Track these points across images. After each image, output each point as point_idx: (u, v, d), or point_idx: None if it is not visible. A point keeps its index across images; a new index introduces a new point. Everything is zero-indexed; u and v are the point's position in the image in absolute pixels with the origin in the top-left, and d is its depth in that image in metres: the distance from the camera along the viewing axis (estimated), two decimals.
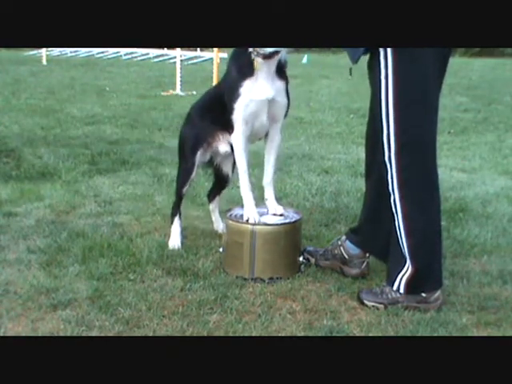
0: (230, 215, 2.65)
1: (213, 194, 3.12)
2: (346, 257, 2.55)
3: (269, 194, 2.74)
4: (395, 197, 2.19)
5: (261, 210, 2.67)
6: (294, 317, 2.22)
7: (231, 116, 2.56)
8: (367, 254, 2.55)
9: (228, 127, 2.64)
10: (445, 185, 4.01)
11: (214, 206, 3.12)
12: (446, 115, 6.81)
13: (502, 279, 2.58)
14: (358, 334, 2.11)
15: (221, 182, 3.05)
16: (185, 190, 2.85)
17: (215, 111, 2.69)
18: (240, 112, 2.55)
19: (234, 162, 2.77)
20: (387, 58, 2.10)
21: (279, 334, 2.10)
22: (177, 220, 2.88)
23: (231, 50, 2.68)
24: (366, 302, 2.28)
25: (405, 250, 2.23)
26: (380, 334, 2.12)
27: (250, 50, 2.45)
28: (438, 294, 2.25)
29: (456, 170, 4.56)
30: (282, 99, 2.61)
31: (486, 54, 17.93)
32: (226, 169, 2.96)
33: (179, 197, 2.87)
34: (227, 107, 2.58)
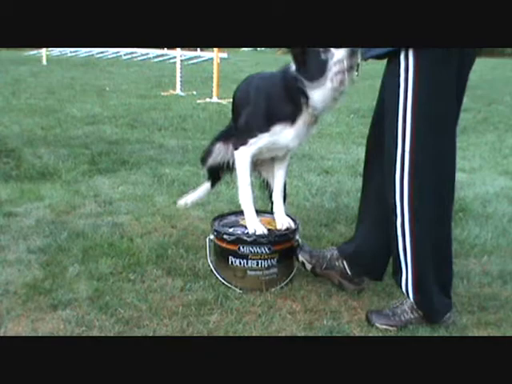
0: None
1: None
2: (349, 273, 2.43)
3: (278, 207, 2.65)
4: (404, 219, 2.05)
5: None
6: (293, 317, 2.22)
7: (248, 137, 2.44)
8: None
9: (234, 136, 2.56)
10: None
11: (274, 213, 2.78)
12: None
13: (502, 279, 2.58)
14: (357, 334, 2.11)
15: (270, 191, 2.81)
16: (207, 166, 2.78)
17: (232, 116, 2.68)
18: (259, 142, 2.43)
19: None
20: (408, 71, 1.95)
21: (279, 334, 2.10)
22: (206, 183, 2.88)
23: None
24: (377, 324, 2.17)
25: (409, 277, 2.11)
26: (380, 334, 2.12)
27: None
28: (449, 313, 2.17)
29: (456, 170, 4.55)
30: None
31: (486, 54, 17.93)
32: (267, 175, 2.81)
33: (206, 170, 2.86)
34: (245, 124, 2.46)
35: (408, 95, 1.97)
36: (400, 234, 2.08)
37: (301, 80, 2.28)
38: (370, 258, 2.37)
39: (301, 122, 2.40)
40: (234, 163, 2.61)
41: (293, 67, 2.32)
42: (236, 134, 2.54)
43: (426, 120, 1.99)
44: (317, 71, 2.23)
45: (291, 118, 2.39)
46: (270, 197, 2.75)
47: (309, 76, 2.26)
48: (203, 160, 2.79)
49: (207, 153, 2.75)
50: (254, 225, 2.50)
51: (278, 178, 2.70)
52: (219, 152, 2.70)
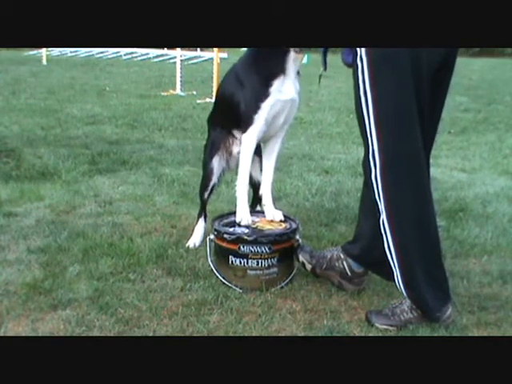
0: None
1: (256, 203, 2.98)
2: (349, 273, 2.43)
3: (267, 199, 2.72)
4: (383, 216, 2.08)
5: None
6: (293, 317, 2.22)
7: (253, 115, 2.52)
8: (369, 272, 2.46)
9: (238, 127, 2.62)
10: (445, 185, 4.02)
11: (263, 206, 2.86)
12: (445, 115, 6.79)
13: (502, 279, 2.58)
14: (357, 334, 2.11)
15: (256, 190, 2.89)
16: (206, 195, 2.85)
17: (223, 115, 2.71)
18: (265, 112, 2.51)
19: (261, 167, 2.76)
20: (364, 73, 2.03)
21: (279, 334, 2.10)
22: (201, 221, 2.91)
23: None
24: (377, 325, 2.16)
25: (398, 273, 2.11)
26: (380, 334, 2.12)
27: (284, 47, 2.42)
28: (449, 312, 2.15)
29: (456, 170, 4.56)
30: (298, 98, 2.62)
31: (486, 54, 17.92)
32: (255, 174, 2.87)
33: (201, 201, 2.90)
34: (246, 106, 2.53)
35: (368, 96, 2.03)
36: (383, 230, 2.10)
37: None
38: (377, 257, 2.33)
39: (290, 65, 2.51)
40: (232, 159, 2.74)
41: None
42: (241, 119, 2.58)
43: (386, 120, 2.04)
44: None
45: (281, 68, 2.49)
46: (254, 193, 2.90)
47: None
48: (206, 186, 2.83)
49: (209, 173, 2.78)
50: (243, 214, 2.59)
51: (266, 170, 2.74)
52: (219, 166, 2.78)
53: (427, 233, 2.13)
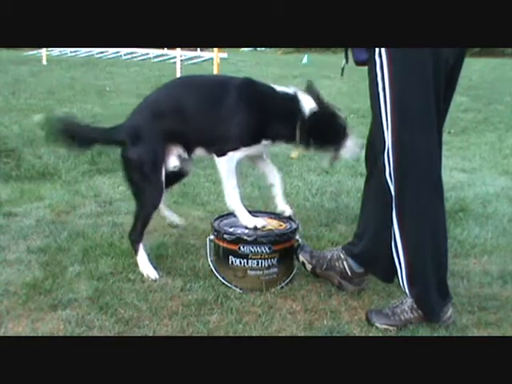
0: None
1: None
2: (349, 273, 2.43)
3: (278, 191, 2.68)
4: (394, 213, 2.09)
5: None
6: (294, 317, 2.22)
7: (239, 145, 2.45)
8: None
9: (206, 145, 2.52)
10: (445, 185, 3.97)
11: (163, 210, 2.83)
12: None
13: (502, 279, 2.58)
14: (358, 334, 2.11)
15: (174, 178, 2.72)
16: (154, 214, 2.60)
17: (169, 123, 2.48)
18: (247, 152, 2.49)
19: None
20: (383, 69, 2.02)
21: (279, 334, 2.10)
22: (142, 248, 2.57)
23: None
24: (377, 324, 2.16)
25: (403, 270, 2.12)
26: (380, 334, 2.12)
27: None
28: (449, 312, 2.16)
29: (456, 170, 4.55)
30: None
31: (486, 53, 17.92)
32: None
33: (147, 223, 2.58)
34: (237, 134, 2.44)
35: (386, 93, 2.03)
36: (392, 227, 2.10)
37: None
38: (377, 256, 2.34)
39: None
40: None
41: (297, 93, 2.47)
42: (223, 140, 2.46)
43: (404, 117, 2.03)
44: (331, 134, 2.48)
45: (287, 138, 2.50)
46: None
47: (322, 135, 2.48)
48: (156, 204, 2.58)
49: (160, 188, 2.54)
50: (252, 221, 2.52)
51: (268, 168, 2.70)
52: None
53: (437, 231, 2.14)
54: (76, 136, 2.58)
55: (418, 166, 2.06)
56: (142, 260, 2.56)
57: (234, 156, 2.47)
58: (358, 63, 2.19)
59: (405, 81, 2.02)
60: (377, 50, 2.03)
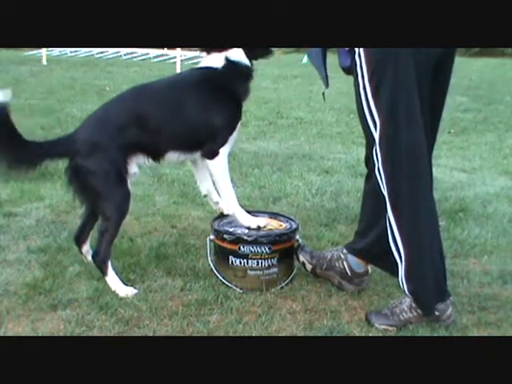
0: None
1: (85, 233, 2.60)
2: (349, 273, 2.44)
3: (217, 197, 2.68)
4: (388, 207, 2.10)
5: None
6: (293, 317, 2.22)
7: (228, 136, 2.46)
8: (369, 272, 2.47)
9: (190, 149, 2.50)
10: (445, 185, 4.02)
11: (86, 249, 2.59)
12: (446, 115, 6.76)
13: (502, 279, 2.58)
14: (358, 334, 2.11)
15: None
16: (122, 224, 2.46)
17: (131, 134, 2.39)
18: (235, 134, 2.51)
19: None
20: (362, 67, 2.05)
21: (279, 334, 2.10)
22: (110, 266, 2.39)
23: None
24: (376, 325, 2.16)
25: (401, 267, 2.12)
26: (380, 334, 2.12)
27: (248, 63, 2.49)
28: (449, 311, 2.16)
29: (456, 170, 4.55)
30: None
31: (486, 53, 17.91)
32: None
33: (115, 236, 2.43)
34: (222, 129, 2.45)
35: (367, 90, 2.06)
36: (388, 222, 2.11)
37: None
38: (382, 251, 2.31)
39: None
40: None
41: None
42: (209, 138, 2.45)
43: (387, 112, 2.05)
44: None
45: (248, 89, 2.54)
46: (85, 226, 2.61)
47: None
48: (122, 216, 2.43)
49: (127, 199, 2.46)
50: (255, 221, 2.52)
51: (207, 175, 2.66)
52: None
53: (429, 223, 2.14)
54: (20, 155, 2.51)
55: (402, 159, 2.07)
56: (114, 280, 2.37)
57: (225, 152, 2.48)
58: (345, 70, 2.22)
59: (381, 74, 2.03)
60: (356, 51, 2.07)
